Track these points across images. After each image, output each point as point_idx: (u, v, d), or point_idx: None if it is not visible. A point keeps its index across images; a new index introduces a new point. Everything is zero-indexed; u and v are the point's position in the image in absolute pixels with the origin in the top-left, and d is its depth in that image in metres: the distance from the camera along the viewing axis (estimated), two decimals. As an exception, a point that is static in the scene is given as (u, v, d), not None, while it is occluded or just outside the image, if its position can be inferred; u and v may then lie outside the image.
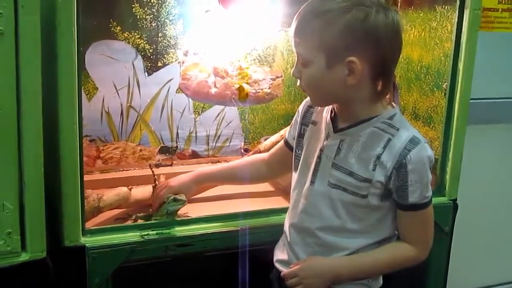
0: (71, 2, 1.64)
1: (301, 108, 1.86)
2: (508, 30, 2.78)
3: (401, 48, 1.65)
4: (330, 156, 1.69)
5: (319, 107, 1.77)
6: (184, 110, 2.37)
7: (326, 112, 1.75)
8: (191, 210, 2.03)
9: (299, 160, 1.80)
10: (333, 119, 1.71)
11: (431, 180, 1.68)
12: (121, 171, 2.32)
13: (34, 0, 1.58)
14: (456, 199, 2.26)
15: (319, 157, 1.71)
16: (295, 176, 1.81)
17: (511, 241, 3.04)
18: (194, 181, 2.08)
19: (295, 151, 1.83)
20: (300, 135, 1.82)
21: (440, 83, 2.25)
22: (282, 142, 1.98)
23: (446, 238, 2.26)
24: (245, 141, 2.49)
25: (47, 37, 1.65)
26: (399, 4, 2.42)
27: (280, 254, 1.83)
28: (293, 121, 1.91)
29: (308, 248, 1.74)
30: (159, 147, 2.37)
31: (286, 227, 1.81)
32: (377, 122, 1.65)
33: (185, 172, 2.22)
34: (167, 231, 1.89)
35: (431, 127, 2.31)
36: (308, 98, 1.76)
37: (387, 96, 1.68)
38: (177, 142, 2.39)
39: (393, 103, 1.72)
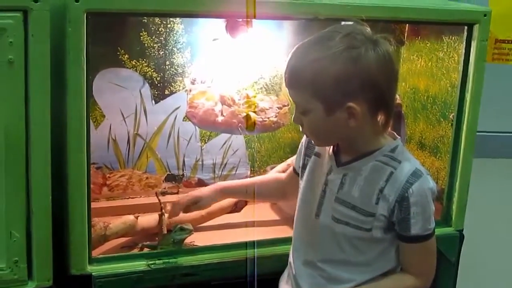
0: (81, 30, 1.65)
1: (304, 139, 1.85)
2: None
3: (397, 76, 1.64)
4: (333, 190, 1.68)
5: None
6: (190, 138, 2.36)
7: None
8: (197, 239, 2.03)
9: (301, 190, 1.79)
10: (336, 152, 1.71)
11: (438, 210, 1.67)
12: (127, 198, 2.31)
13: (44, 29, 1.60)
14: (462, 230, 2.25)
15: (324, 191, 1.70)
16: (297, 206, 1.81)
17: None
18: (216, 194, 2.06)
19: (300, 180, 1.82)
20: (304, 166, 1.81)
21: (447, 114, 2.25)
22: (291, 167, 1.97)
23: (452, 268, 2.25)
24: (251, 170, 2.48)
25: (56, 64, 1.66)
26: (405, 34, 2.44)
27: (285, 285, 1.82)
28: (298, 149, 1.90)
29: (313, 280, 1.72)
30: (165, 175, 2.36)
31: (291, 259, 1.80)
32: (380, 155, 1.64)
33: None
34: (174, 260, 1.88)
35: (437, 157, 2.30)
36: None
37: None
38: (183, 170, 2.38)
39: (394, 133, 1.72)
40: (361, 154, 1.65)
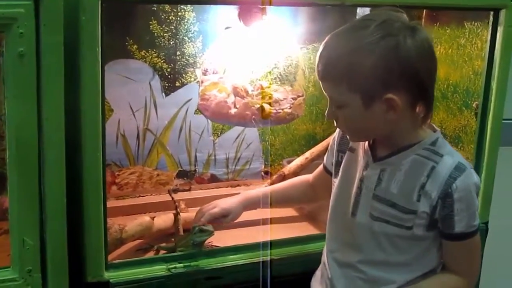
0: (96, 19, 1.54)
1: (336, 134, 1.77)
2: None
3: (436, 64, 1.55)
4: (370, 187, 1.59)
5: None
6: (202, 132, 2.27)
7: None
8: (214, 239, 1.92)
9: (336, 189, 1.71)
10: (372, 147, 1.62)
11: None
12: (137, 197, 2.21)
13: (57, 18, 1.48)
14: (487, 222, 2.18)
15: (359, 188, 1.62)
16: (331, 205, 1.72)
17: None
18: (243, 205, 1.97)
19: (333, 178, 1.74)
20: (338, 163, 1.73)
21: (469, 102, 2.17)
22: (321, 166, 1.88)
23: (478, 262, 2.16)
24: (265, 164, 2.39)
25: (69, 57, 1.54)
26: (423, 20, 2.34)
27: (318, 286, 1.74)
28: (329, 146, 1.82)
29: (351, 283, 1.64)
30: (177, 171, 2.26)
31: (325, 259, 1.71)
32: (419, 149, 1.56)
33: (204, 197, 2.16)
34: (195, 263, 1.79)
35: (459, 147, 2.22)
36: None
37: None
38: (195, 166, 2.29)
39: (434, 125, 1.63)
40: (400, 148, 1.57)
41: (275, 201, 1.98)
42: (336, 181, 1.71)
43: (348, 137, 1.65)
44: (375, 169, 1.59)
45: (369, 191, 1.59)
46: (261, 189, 2.04)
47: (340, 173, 1.70)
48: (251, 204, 1.99)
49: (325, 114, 1.58)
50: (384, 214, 1.57)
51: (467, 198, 1.53)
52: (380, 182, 1.58)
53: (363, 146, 1.63)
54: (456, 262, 1.61)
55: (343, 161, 1.70)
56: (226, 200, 1.97)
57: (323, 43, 1.51)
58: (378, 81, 1.45)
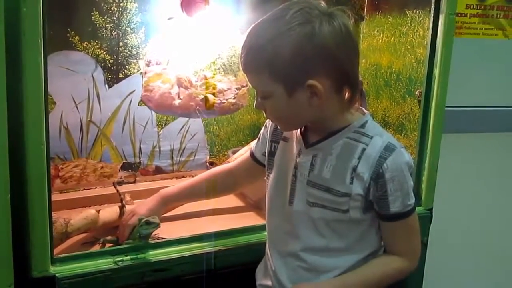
0: (37, 10, 1.50)
1: (268, 123, 1.78)
2: (477, 37, 2.72)
3: (357, 50, 1.57)
4: (304, 173, 1.61)
5: None
6: (147, 123, 2.25)
7: None
8: (159, 230, 1.90)
9: (272, 179, 1.71)
10: (304, 133, 1.64)
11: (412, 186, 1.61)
12: (82, 190, 2.19)
13: (-3, 9, 1.44)
14: (432, 209, 2.20)
15: (294, 176, 1.63)
16: (268, 196, 1.73)
17: (484, 250, 3.01)
18: (161, 205, 1.95)
19: (267, 169, 1.75)
20: (271, 153, 1.74)
21: (412, 90, 2.19)
22: (248, 154, 1.90)
23: (423, 249, 2.19)
24: (210, 154, 2.38)
25: (10, 49, 1.50)
26: (365, 9, 2.36)
27: (262, 278, 1.75)
28: (260, 135, 1.83)
29: (293, 273, 1.65)
30: (121, 163, 2.24)
31: (268, 250, 1.73)
32: (349, 132, 1.58)
33: (149, 189, 2.14)
34: (142, 255, 1.76)
35: (403, 135, 2.24)
36: None
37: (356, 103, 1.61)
38: (140, 158, 2.27)
39: (363, 108, 1.65)
40: (330, 132, 1.59)
41: (194, 195, 1.99)
42: (270, 172, 1.72)
43: (279, 127, 1.67)
44: (308, 155, 1.60)
45: (304, 178, 1.60)
46: (178, 185, 2.03)
47: (275, 164, 1.71)
48: (169, 202, 1.99)
49: (254, 105, 1.60)
50: (320, 200, 1.58)
51: (399, 177, 1.55)
52: (313, 167, 1.59)
53: (296, 134, 1.65)
54: (396, 242, 1.64)
55: (277, 151, 1.71)
56: (144, 205, 1.94)
57: (246, 33, 1.52)
58: (297, 68, 1.46)
